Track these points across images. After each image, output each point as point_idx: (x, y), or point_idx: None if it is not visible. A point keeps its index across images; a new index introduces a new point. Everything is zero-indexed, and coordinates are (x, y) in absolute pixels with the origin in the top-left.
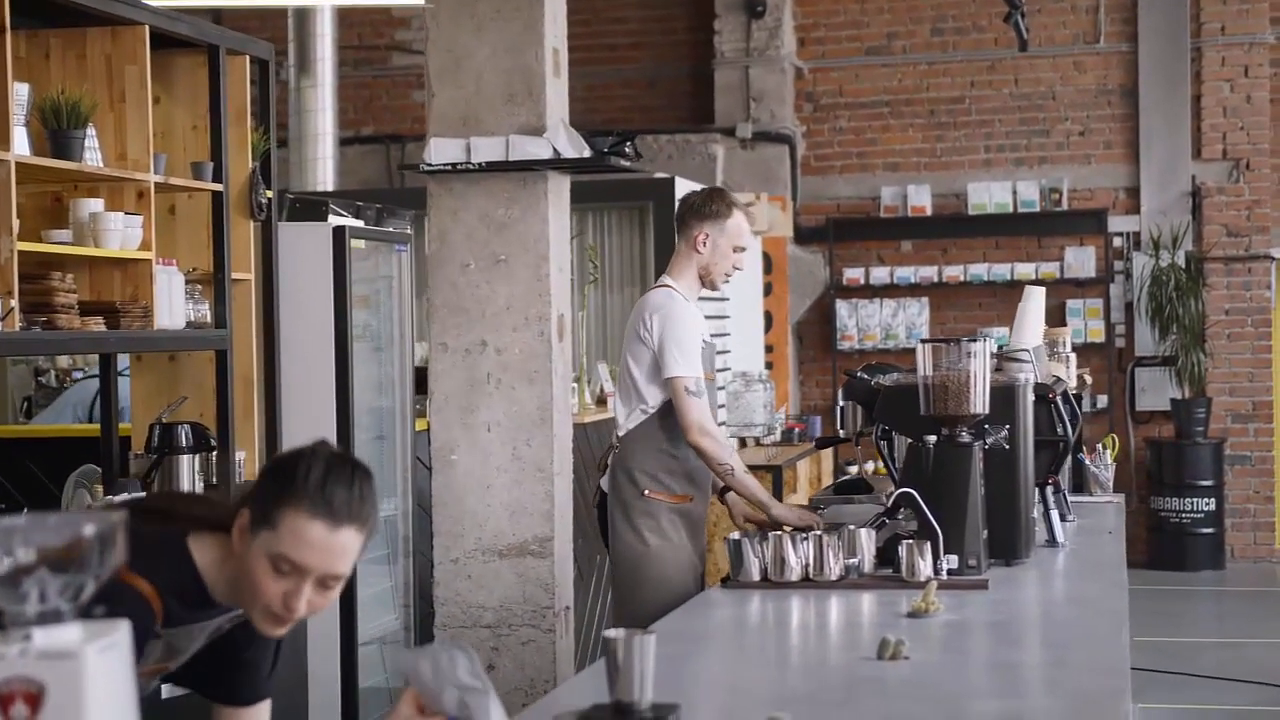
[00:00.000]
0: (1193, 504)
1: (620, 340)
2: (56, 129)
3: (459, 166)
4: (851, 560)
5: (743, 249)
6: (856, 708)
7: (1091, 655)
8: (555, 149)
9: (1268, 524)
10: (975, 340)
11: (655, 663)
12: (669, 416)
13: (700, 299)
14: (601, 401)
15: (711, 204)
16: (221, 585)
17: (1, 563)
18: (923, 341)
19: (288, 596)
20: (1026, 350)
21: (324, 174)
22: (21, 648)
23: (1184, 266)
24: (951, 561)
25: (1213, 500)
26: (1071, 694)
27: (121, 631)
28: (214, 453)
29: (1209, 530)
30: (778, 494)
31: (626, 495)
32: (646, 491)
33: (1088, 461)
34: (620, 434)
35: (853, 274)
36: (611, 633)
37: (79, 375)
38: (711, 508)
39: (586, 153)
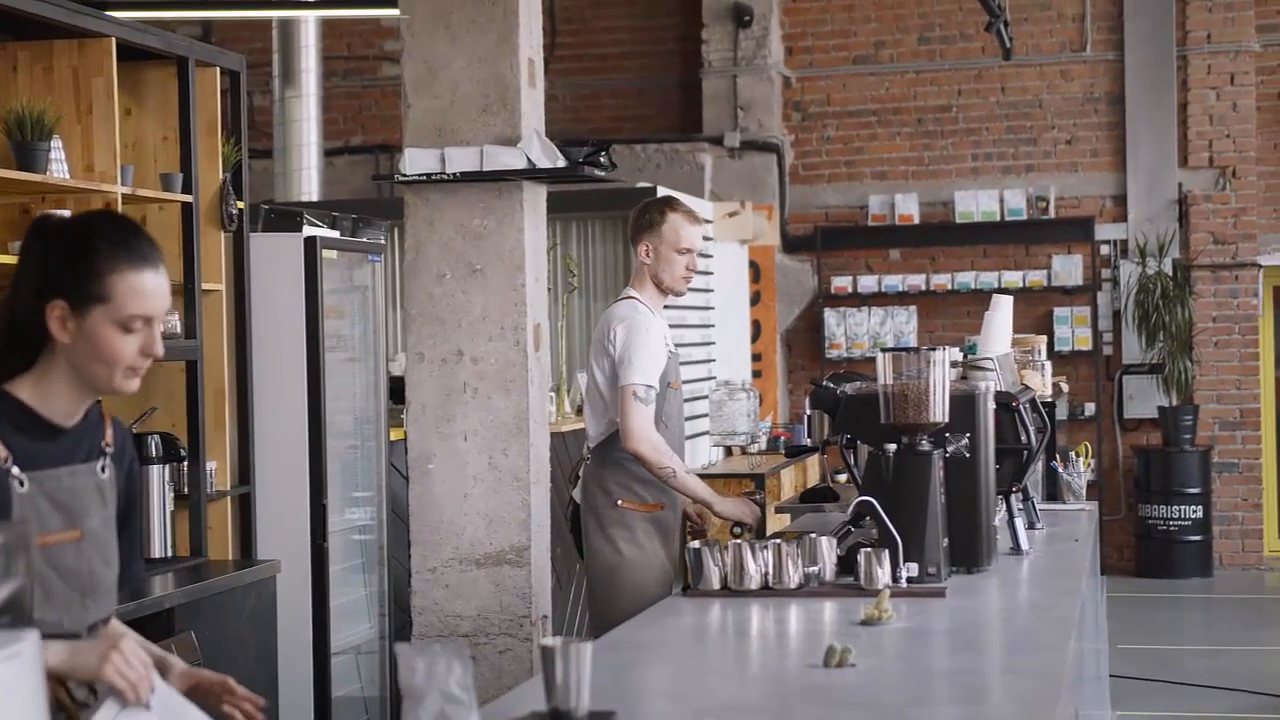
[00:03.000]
0: (1180, 511)
1: None
2: (21, 141)
3: (434, 177)
4: (812, 568)
5: (688, 250)
6: (794, 714)
7: (1033, 662)
8: (529, 159)
9: (1255, 531)
10: (935, 349)
11: (595, 671)
12: None
13: (684, 307)
14: (580, 411)
15: (646, 214)
16: (58, 401)
17: None
18: (883, 350)
19: (144, 347)
20: (990, 358)
21: (308, 184)
22: None
23: (1171, 274)
24: (911, 570)
25: (1200, 508)
26: (1010, 700)
27: (28, 642)
28: (184, 463)
29: (1196, 538)
30: (760, 504)
31: (600, 506)
32: (620, 502)
33: (1061, 470)
34: (591, 445)
35: (841, 283)
36: (547, 641)
37: None
38: None
39: (561, 163)
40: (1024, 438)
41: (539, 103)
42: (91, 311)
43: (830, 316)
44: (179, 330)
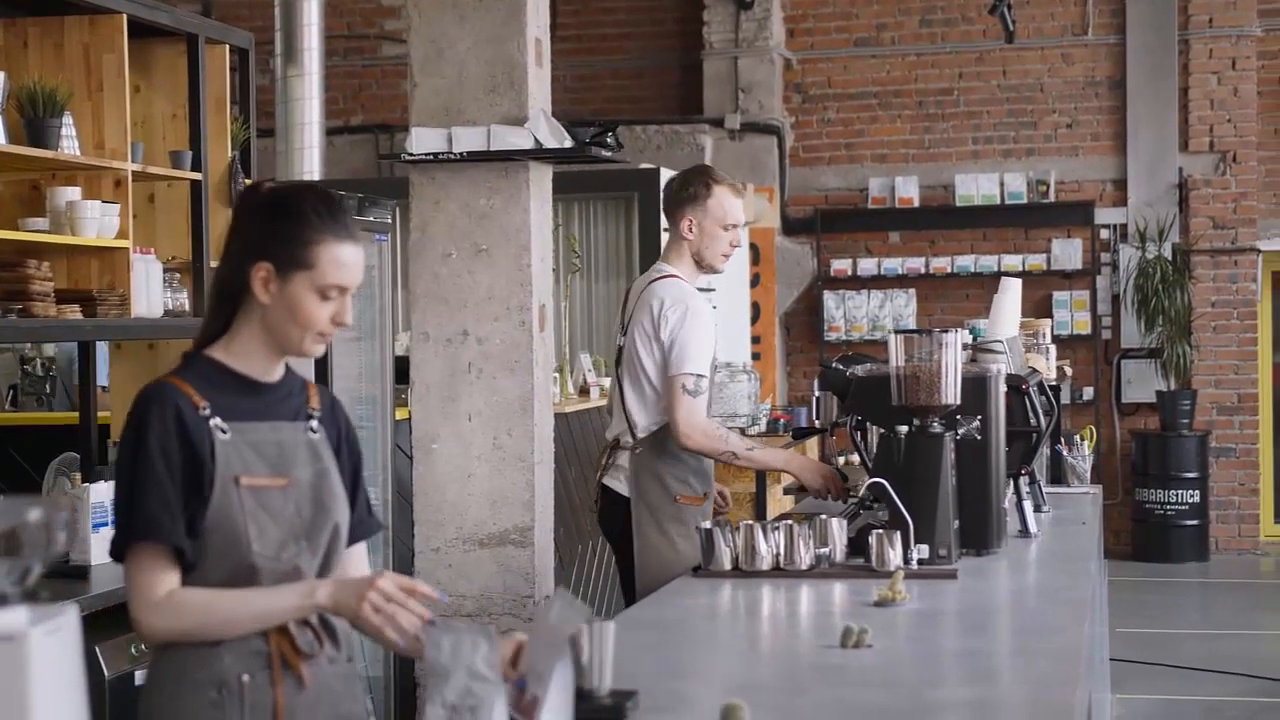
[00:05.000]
0: (1177, 496)
1: (606, 330)
2: (33, 117)
3: (440, 156)
4: (823, 550)
5: (733, 225)
6: (814, 694)
7: (1050, 644)
8: (536, 139)
9: (1252, 516)
10: (947, 332)
11: (617, 650)
12: None
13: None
14: (584, 391)
15: (689, 187)
16: (252, 360)
17: None
18: (895, 332)
19: (335, 315)
20: (1000, 341)
21: (310, 163)
22: None
23: (1170, 259)
24: (922, 551)
25: (1197, 492)
26: (1027, 681)
27: (68, 616)
28: None
29: (1193, 522)
30: (761, 484)
31: (655, 500)
32: (678, 498)
33: (1065, 453)
34: (639, 434)
35: (840, 265)
36: None
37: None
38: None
39: (568, 143)
40: (1033, 420)
41: (546, 83)
42: (294, 276)
43: (829, 299)
44: (188, 308)
